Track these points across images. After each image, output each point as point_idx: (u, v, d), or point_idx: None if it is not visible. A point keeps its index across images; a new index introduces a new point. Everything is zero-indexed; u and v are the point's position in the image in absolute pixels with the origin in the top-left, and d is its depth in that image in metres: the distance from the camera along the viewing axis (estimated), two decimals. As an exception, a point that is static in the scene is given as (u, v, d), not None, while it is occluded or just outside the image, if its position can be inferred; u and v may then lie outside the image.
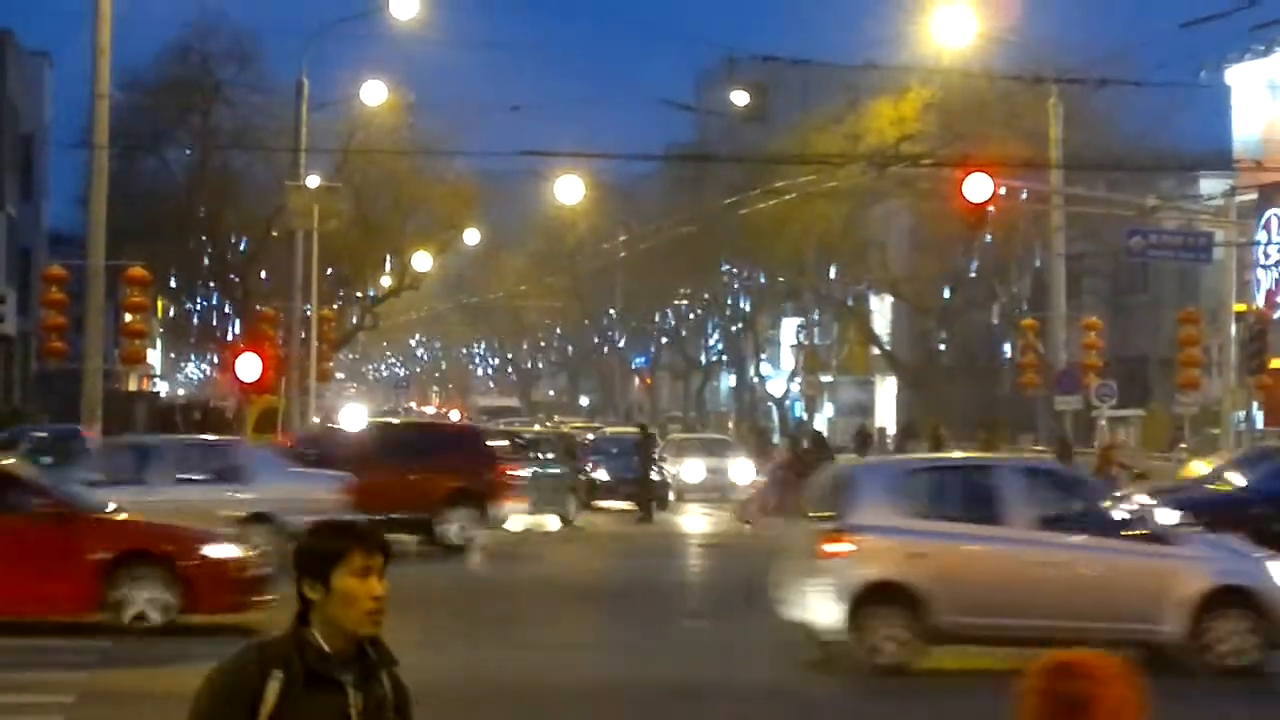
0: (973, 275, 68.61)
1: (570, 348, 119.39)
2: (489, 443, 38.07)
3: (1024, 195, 49.40)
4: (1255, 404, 49.82)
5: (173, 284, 72.69)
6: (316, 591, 5.19)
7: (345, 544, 5.24)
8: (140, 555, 21.19)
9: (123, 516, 22.20)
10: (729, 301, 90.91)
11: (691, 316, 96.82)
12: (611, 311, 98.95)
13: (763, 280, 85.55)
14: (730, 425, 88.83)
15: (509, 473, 36.31)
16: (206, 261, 72.45)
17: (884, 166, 51.76)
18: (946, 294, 70.76)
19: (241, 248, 69.25)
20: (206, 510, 24.90)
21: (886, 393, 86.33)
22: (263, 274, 67.82)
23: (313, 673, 5.13)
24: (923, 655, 18.85)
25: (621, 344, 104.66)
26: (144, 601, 20.97)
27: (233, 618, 20.51)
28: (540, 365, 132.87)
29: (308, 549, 5.27)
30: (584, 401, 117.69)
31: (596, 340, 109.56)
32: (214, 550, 21.50)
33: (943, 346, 72.73)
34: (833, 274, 78.49)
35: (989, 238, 61.78)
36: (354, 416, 59.83)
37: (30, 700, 16.64)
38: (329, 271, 65.38)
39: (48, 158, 67.78)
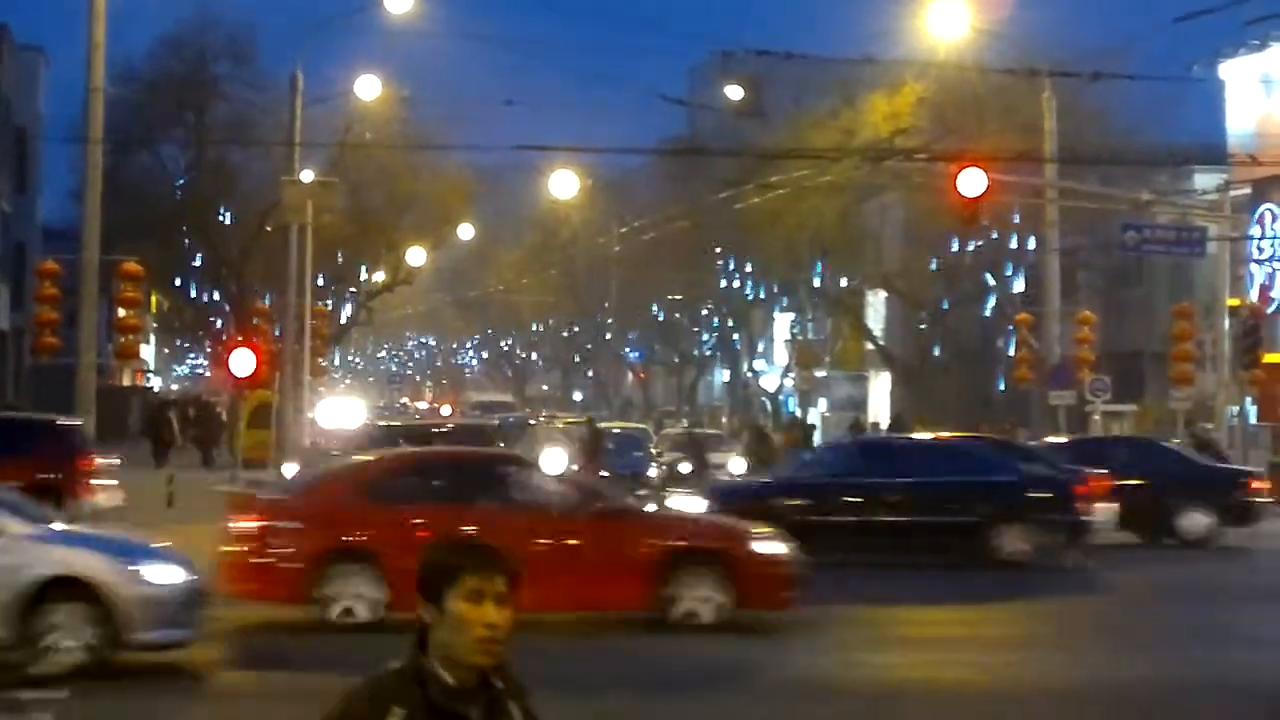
0: (967, 270, 68.63)
1: (564, 342, 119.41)
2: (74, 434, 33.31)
3: (1018, 190, 49.47)
4: (1249, 399, 49.90)
5: (166, 279, 72.64)
6: (430, 615, 4.91)
7: (457, 563, 4.94)
8: (693, 553, 20.75)
9: (673, 513, 21.80)
10: (723, 296, 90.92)
11: (685, 311, 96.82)
12: (605, 306, 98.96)
13: (749, 270, 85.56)
14: (724, 420, 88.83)
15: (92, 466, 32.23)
16: (201, 256, 72.45)
17: (878, 161, 51.81)
18: (940, 289, 70.77)
19: (236, 243, 69.22)
20: None
21: (881, 388, 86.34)
22: (257, 269, 67.80)
23: (435, 708, 4.85)
24: None
25: (615, 338, 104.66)
26: (695, 599, 20.53)
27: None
28: (535, 360, 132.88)
29: (423, 567, 4.97)
30: (577, 396, 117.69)
31: (590, 335, 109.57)
32: (763, 547, 21.04)
33: (937, 342, 72.74)
34: (827, 269, 78.51)
35: (984, 232, 61.78)
36: (351, 413, 59.77)
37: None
38: (323, 267, 65.34)
39: (42, 152, 67.79)
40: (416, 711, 4.82)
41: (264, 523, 20.86)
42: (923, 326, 72.57)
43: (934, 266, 69.16)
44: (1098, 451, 35.49)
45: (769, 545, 21.18)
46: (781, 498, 28.99)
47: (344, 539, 20.57)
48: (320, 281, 65.33)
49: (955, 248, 67.06)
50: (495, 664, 4.91)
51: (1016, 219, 60.87)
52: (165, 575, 17.16)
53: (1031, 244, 61.49)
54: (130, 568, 17.01)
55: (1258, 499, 34.61)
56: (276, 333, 55.54)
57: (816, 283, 79.24)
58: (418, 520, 20.17)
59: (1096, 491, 30.84)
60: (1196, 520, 33.60)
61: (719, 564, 20.66)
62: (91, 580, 16.73)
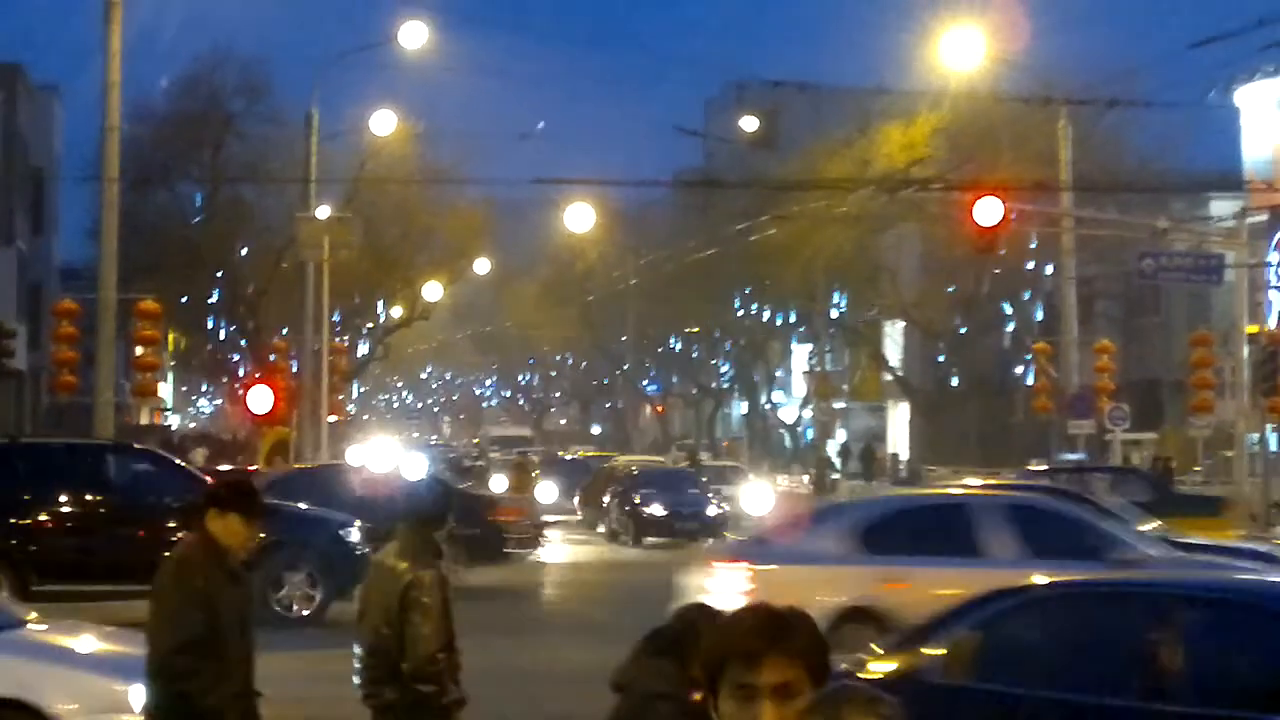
0: (984, 299, 68.56)
1: (581, 376, 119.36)
2: None
3: (1034, 219, 49.36)
4: (1269, 425, 49.70)
5: (184, 317, 72.68)
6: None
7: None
8: None
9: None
10: (740, 327, 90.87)
11: (702, 344, 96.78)
12: (623, 338, 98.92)
13: (766, 302, 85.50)
14: (744, 452, 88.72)
15: None
16: (217, 294, 72.49)
17: (894, 191, 51.72)
18: (958, 319, 70.69)
19: (252, 280, 69.26)
20: None
21: (899, 418, 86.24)
22: (273, 305, 67.83)
23: None
24: None
25: (633, 371, 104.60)
26: None
27: None
28: (552, 394, 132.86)
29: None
30: (596, 430, 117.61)
31: (608, 368, 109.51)
32: None
33: (954, 371, 72.63)
34: (844, 299, 78.47)
35: (1001, 262, 61.72)
36: (380, 449, 59.62)
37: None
38: (339, 303, 65.36)
39: (58, 192, 67.86)
40: None
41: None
42: (941, 358, 72.50)
43: (951, 296, 69.10)
44: None
45: None
46: None
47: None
48: (337, 317, 65.33)
49: (972, 277, 67.01)
50: None
51: (1033, 247, 60.77)
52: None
53: (1049, 272, 61.37)
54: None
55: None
56: (294, 369, 55.52)
57: (834, 314, 79.20)
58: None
59: None
60: None
61: None
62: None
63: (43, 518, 25.61)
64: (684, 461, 59.71)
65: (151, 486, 26.75)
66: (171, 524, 24.55)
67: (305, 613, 25.87)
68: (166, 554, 9.91)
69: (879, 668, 11.42)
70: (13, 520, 25.25)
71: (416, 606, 9.88)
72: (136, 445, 33.71)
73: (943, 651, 11.24)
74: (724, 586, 19.17)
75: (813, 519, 21.73)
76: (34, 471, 26.57)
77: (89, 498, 26.26)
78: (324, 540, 26.29)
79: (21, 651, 12.65)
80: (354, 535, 26.61)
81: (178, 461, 29.42)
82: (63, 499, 26.05)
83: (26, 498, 26.05)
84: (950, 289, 68.41)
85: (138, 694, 10.70)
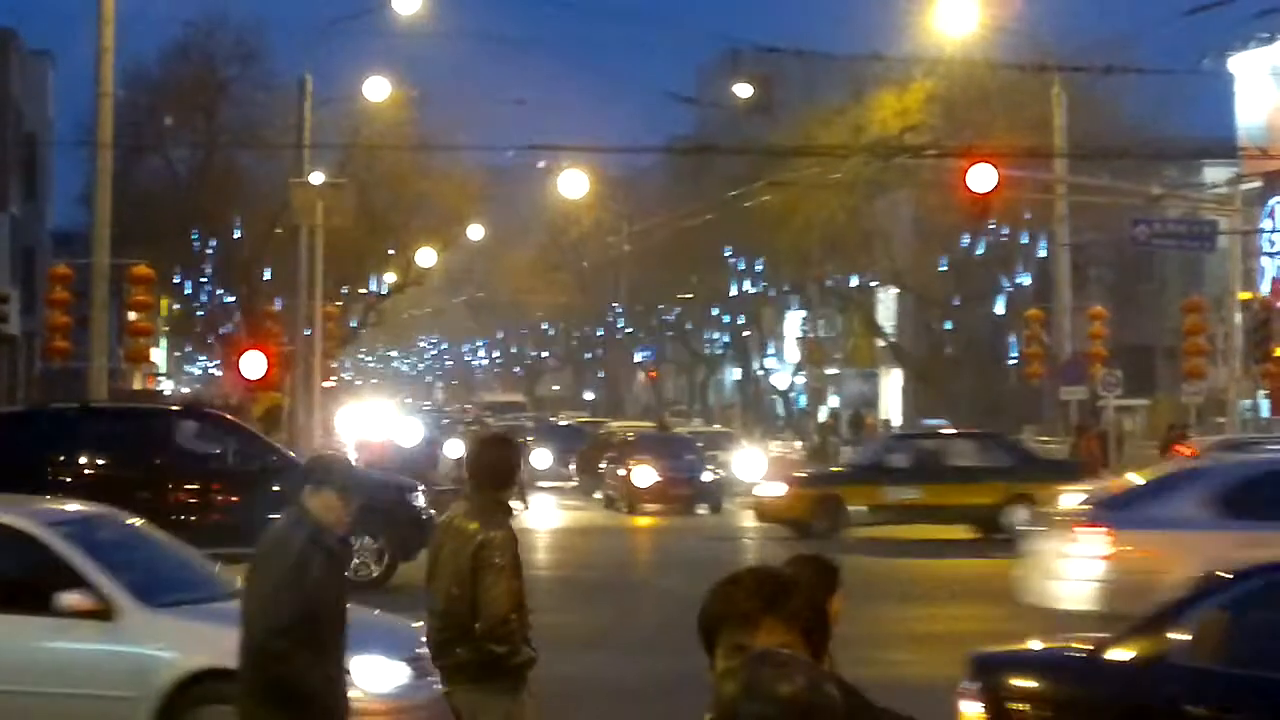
0: (977, 266, 68.58)
1: (574, 342, 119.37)
2: None
3: (1028, 185, 49.38)
4: (1261, 392, 49.81)
5: (177, 282, 72.63)
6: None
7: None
8: None
9: None
10: (733, 294, 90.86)
11: (695, 310, 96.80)
12: (616, 305, 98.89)
13: (759, 268, 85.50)
14: (736, 418, 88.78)
15: None
16: (211, 259, 72.45)
17: (888, 158, 51.75)
18: (951, 285, 70.72)
19: (246, 245, 69.21)
20: None
21: (892, 385, 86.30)
22: (267, 271, 67.79)
23: None
24: None
25: (626, 338, 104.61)
26: None
27: None
28: (545, 360, 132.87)
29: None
30: (588, 396, 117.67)
31: (601, 334, 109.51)
32: None
33: (948, 338, 72.67)
34: (837, 266, 78.45)
35: (995, 228, 61.75)
36: (374, 414, 59.54)
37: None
38: (333, 268, 65.33)
39: (51, 157, 67.77)
40: None
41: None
42: (933, 324, 72.55)
43: (944, 263, 69.11)
44: None
45: None
46: None
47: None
48: (330, 283, 65.29)
49: (966, 244, 67.01)
50: None
51: (1027, 215, 60.78)
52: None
53: (1042, 240, 61.41)
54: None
55: None
56: (287, 334, 55.53)
57: (828, 281, 79.22)
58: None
59: None
60: None
61: None
62: None
63: (113, 480, 25.79)
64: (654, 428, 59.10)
65: (219, 449, 27.45)
66: (238, 487, 25.39)
67: (373, 576, 26.06)
68: (263, 531, 9.87)
69: (1118, 654, 10.81)
70: (85, 483, 25.44)
71: (488, 566, 9.90)
72: (206, 409, 34.25)
73: (1190, 633, 10.68)
74: (1084, 551, 18.98)
75: (1168, 482, 21.01)
76: (105, 435, 27.07)
77: (158, 461, 26.68)
78: (391, 503, 26.45)
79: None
80: (420, 499, 27.09)
81: (245, 426, 30.01)
82: (134, 462, 26.51)
83: (100, 461, 26.60)
84: (943, 256, 68.42)
85: (359, 666, 11.44)
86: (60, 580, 12.68)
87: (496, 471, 10.34)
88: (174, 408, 31.96)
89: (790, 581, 4.44)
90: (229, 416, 32.26)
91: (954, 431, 45.45)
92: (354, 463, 15.82)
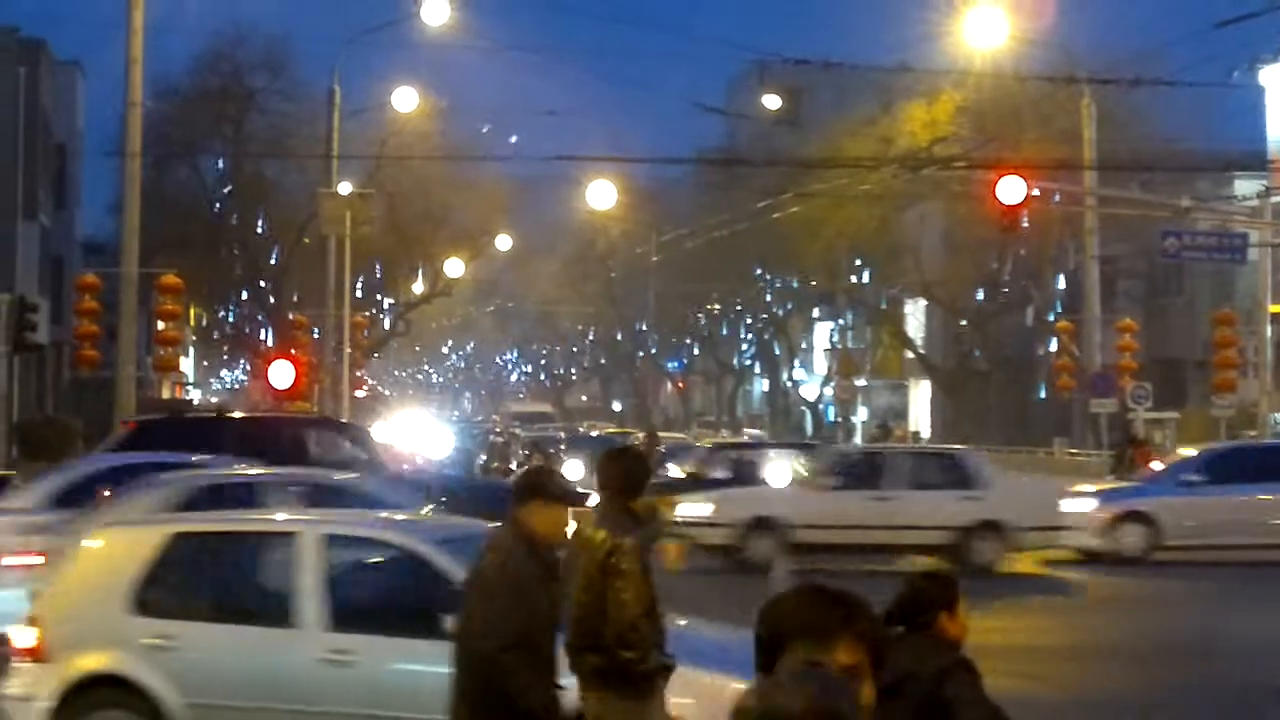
0: (1006, 278, 68.40)
1: (603, 353, 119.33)
2: None
3: (1057, 197, 49.23)
4: (1292, 405, 49.56)
5: (206, 292, 72.76)
6: None
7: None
8: None
9: None
10: (763, 305, 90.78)
11: (724, 321, 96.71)
12: (644, 316, 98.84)
13: (794, 284, 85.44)
14: (765, 429, 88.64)
15: None
16: (239, 269, 72.57)
17: (917, 169, 51.66)
18: (980, 297, 70.56)
19: (274, 255, 69.33)
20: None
21: (921, 396, 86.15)
22: (295, 281, 67.88)
23: None
24: None
25: (655, 349, 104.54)
26: None
27: None
28: (573, 371, 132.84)
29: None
30: (617, 406, 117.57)
31: (630, 345, 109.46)
32: None
33: (977, 350, 72.50)
34: (866, 277, 78.32)
35: (1024, 240, 61.57)
36: (409, 424, 59.38)
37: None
38: (361, 278, 65.42)
39: (81, 167, 67.85)
40: None
41: None
42: (963, 336, 72.37)
43: (973, 274, 68.94)
44: None
45: None
46: None
47: None
48: (358, 293, 65.36)
49: (995, 256, 66.84)
50: None
51: (1057, 227, 60.62)
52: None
53: (1072, 252, 61.22)
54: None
55: None
56: (315, 344, 55.58)
57: (856, 293, 79.11)
58: None
59: None
60: None
61: None
62: None
63: None
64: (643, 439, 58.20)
65: (351, 459, 27.81)
66: None
67: None
68: (485, 547, 9.86)
69: None
70: None
71: (617, 573, 10.00)
72: (336, 419, 34.73)
73: None
74: None
75: None
76: (242, 442, 27.15)
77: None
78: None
79: None
80: None
81: (371, 434, 30.60)
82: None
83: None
84: (973, 268, 68.24)
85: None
86: (450, 602, 11.40)
87: (630, 481, 10.52)
88: (308, 416, 32.42)
89: (862, 600, 4.42)
90: (360, 427, 32.84)
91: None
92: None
